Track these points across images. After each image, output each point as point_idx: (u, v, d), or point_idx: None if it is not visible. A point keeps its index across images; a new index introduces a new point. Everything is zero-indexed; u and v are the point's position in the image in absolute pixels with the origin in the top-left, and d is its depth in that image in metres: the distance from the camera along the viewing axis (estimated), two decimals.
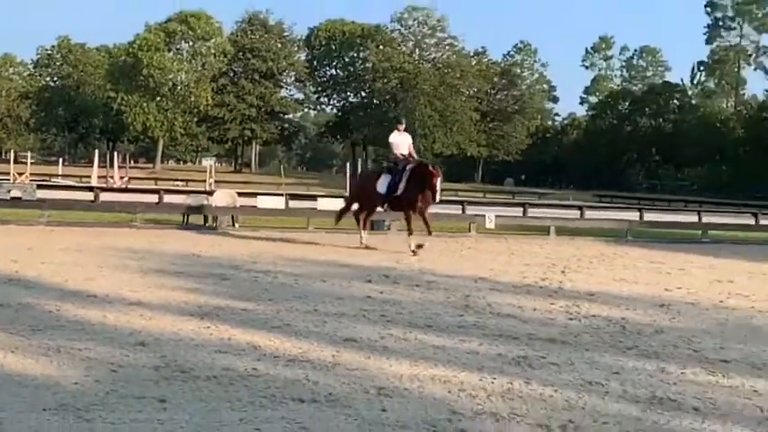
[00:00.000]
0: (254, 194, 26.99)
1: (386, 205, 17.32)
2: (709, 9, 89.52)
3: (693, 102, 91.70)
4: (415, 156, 17.16)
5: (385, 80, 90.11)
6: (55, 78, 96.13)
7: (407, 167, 16.03)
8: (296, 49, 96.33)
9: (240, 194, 25.79)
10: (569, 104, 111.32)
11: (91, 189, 26.97)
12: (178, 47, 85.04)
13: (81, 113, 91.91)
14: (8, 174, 40.65)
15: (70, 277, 11.22)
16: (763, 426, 5.59)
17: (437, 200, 16.30)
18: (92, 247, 15.52)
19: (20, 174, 40.92)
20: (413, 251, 15.66)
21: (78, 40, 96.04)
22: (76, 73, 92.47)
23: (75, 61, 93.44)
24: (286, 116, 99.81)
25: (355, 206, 17.95)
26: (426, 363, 7.01)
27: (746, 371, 7.24)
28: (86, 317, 8.53)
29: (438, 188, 15.70)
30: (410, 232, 16.12)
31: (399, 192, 15.86)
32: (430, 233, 16.08)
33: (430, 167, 16.25)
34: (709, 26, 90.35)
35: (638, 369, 7.14)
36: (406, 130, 17.88)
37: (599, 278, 13.82)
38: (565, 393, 6.22)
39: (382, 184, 16.33)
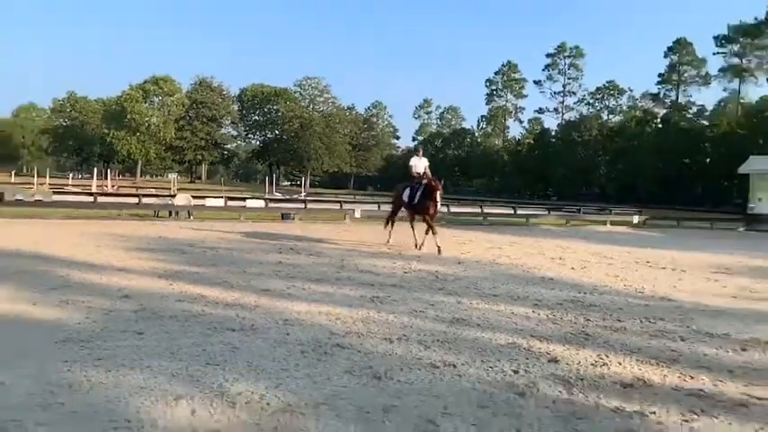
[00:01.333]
0: (204, 197, 26.06)
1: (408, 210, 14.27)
2: (487, 83, 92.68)
3: (478, 140, 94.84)
4: (429, 174, 14.00)
5: (290, 124, 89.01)
6: (66, 120, 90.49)
7: (423, 183, 13.70)
8: (231, 102, 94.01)
9: (194, 197, 24.96)
10: (406, 141, 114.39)
11: (91, 194, 25.27)
12: (151, 100, 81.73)
13: (84, 143, 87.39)
14: (33, 184, 37.86)
15: (76, 253, 10.55)
16: (516, 333, 5.86)
17: (437, 208, 13.61)
18: (91, 233, 14.63)
19: (41, 184, 38.11)
20: (437, 247, 12.82)
21: (81, 94, 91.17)
22: (81, 116, 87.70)
23: (80, 108, 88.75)
24: (225, 146, 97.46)
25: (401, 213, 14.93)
26: (316, 303, 6.99)
27: (508, 301, 7.58)
28: (87, 279, 8.04)
29: (438, 199, 13.24)
30: (433, 232, 13.29)
31: (415, 201, 13.60)
32: (434, 233, 13.25)
33: (433, 183, 13.40)
34: (487, 94, 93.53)
35: (445, 302, 7.36)
36: (424, 155, 14.88)
37: (423, 247, 14.12)
38: (401, 318, 6.34)
39: (405, 195, 14.05)
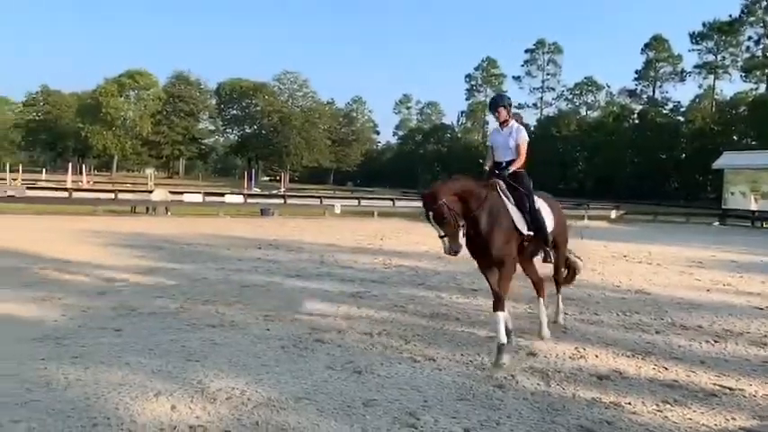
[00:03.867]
0: (182, 192, 25.80)
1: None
2: (467, 79, 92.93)
3: (459, 135, 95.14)
4: (521, 159, 5.54)
5: (269, 118, 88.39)
6: (39, 114, 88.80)
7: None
8: (209, 96, 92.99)
9: (172, 192, 24.72)
10: (386, 136, 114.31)
11: (66, 190, 24.86)
12: (127, 94, 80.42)
13: (58, 138, 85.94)
14: (5, 180, 37.18)
15: (51, 249, 10.39)
16: (487, 326, 5.90)
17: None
18: (67, 229, 14.42)
19: (14, 179, 37.37)
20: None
21: (55, 87, 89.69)
22: (54, 110, 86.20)
23: (53, 102, 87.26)
24: (203, 141, 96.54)
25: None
26: (295, 298, 6.99)
27: (486, 296, 7.59)
28: (63, 276, 7.96)
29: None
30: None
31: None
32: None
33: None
34: (468, 90, 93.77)
35: (425, 296, 7.41)
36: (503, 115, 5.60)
37: (403, 242, 14.18)
38: (382, 313, 6.37)
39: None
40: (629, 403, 3.97)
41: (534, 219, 5.32)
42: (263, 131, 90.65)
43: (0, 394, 3.75)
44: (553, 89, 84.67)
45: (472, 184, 5.10)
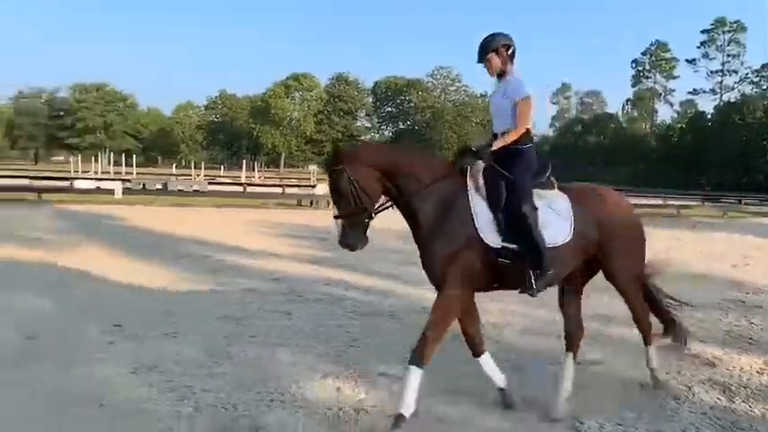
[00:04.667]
0: None
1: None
2: (633, 64, 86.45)
3: (623, 125, 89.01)
4: (521, 128, 3.68)
5: (422, 114, 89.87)
6: (218, 116, 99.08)
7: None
8: (366, 95, 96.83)
9: None
10: (542, 127, 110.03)
11: (241, 184, 27.42)
12: (293, 95, 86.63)
13: (234, 138, 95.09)
14: (190, 176, 41.88)
15: (231, 238, 11.44)
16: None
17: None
18: (242, 220, 15.82)
19: (198, 175, 41.98)
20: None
21: (231, 91, 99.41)
22: (231, 113, 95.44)
23: (229, 105, 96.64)
24: (360, 138, 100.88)
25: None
26: None
27: None
28: (241, 263, 8.77)
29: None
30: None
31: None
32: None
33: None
34: (634, 76, 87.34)
35: (588, 297, 7.04)
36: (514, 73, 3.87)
37: None
38: (538, 312, 6.17)
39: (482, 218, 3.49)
40: None
41: (515, 223, 3.44)
42: (416, 127, 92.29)
43: (194, 366, 4.27)
44: (735, 72, 75.69)
45: (418, 157, 3.66)
